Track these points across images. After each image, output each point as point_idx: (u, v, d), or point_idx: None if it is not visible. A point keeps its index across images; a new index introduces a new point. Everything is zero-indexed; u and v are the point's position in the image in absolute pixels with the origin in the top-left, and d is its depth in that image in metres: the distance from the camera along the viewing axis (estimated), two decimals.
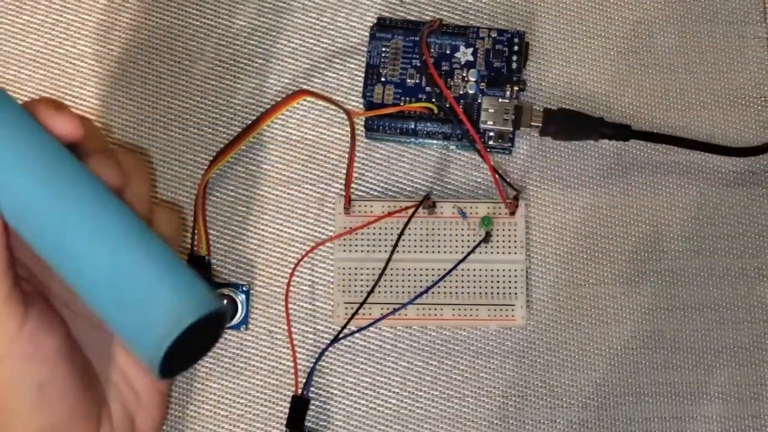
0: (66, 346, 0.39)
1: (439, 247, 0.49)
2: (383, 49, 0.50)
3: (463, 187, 0.50)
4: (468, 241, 0.49)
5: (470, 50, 0.50)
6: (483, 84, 0.50)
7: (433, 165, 0.50)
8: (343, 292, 0.48)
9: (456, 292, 0.48)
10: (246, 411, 0.48)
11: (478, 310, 0.48)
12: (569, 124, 0.49)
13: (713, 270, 0.49)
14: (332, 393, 0.48)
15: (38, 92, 0.51)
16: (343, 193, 0.49)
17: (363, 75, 0.50)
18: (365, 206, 0.49)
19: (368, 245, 0.49)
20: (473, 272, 0.49)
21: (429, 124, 0.49)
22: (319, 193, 0.50)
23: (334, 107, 0.50)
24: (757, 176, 0.50)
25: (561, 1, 0.52)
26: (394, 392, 0.48)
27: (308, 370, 0.48)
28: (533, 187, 0.50)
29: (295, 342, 0.48)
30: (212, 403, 0.48)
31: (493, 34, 0.50)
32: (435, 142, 0.50)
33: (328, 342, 0.48)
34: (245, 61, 0.51)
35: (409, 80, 0.50)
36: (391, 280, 0.48)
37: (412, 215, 0.49)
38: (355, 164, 0.50)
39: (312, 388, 0.48)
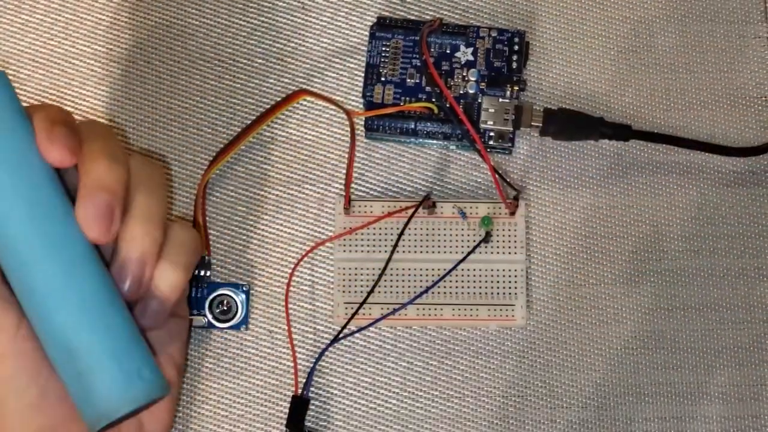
0: None
1: (439, 247, 0.49)
2: (383, 49, 0.50)
3: (463, 187, 0.50)
4: (468, 241, 0.49)
5: (470, 50, 0.50)
6: (483, 84, 0.50)
7: (433, 165, 0.50)
8: (343, 292, 0.48)
9: (456, 292, 0.48)
10: (246, 411, 0.48)
11: (478, 310, 0.48)
12: (569, 124, 0.49)
13: (713, 270, 0.49)
14: (332, 393, 0.48)
15: (37, 92, 0.51)
16: (343, 193, 0.49)
17: (363, 75, 0.50)
18: (365, 206, 0.49)
19: (368, 245, 0.49)
20: (473, 272, 0.49)
21: (429, 124, 0.49)
22: (319, 193, 0.50)
23: (334, 107, 0.50)
24: (758, 176, 0.50)
25: (561, 1, 0.52)
26: (394, 392, 0.48)
27: (308, 370, 0.48)
28: (533, 187, 0.50)
29: (295, 342, 0.48)
30: (212, 403, 0.48)
31: (494, 34, 0.50)
32: (435, 142, 0.50)
33: (328, 342, 0.48)
34: (245, 61, 0.51)
35: (409, 80, 0.50)
36: (391, 280, 0.48)
37: (412, 215, 0.49)
38: (355, 164, 0.50)
39: (312, 388, 0.48)
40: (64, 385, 0.39)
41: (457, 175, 0.50)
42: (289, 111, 0.51)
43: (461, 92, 0.50)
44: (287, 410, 0.47)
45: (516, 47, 0.50)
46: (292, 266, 0.49)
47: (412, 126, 0.49)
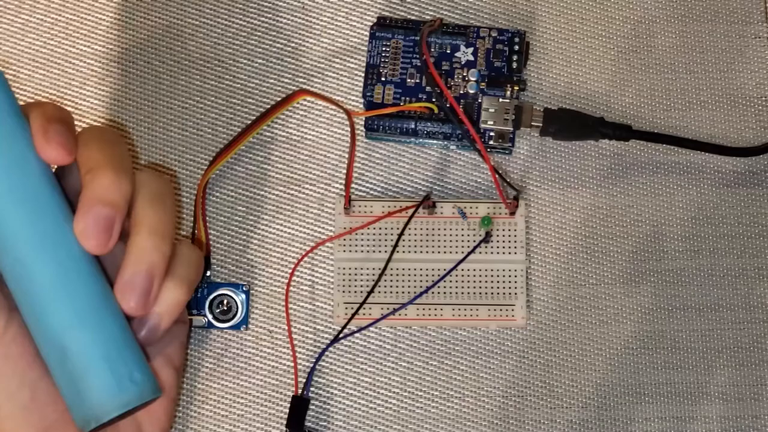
0: None
1: (439, 247, 0.49)
2: (383, 49, 0.50)
3: (463, 187, 0.50)
4: (468, 241, 0.49)
5: (471, 50, 0.50)
6: (483, 84, 0.50)
7: (433, 165, 0.50)
8: (343, 292, 0.48)
9: (456, 292, 0.48)
10: (246, 411, 0.48)
11: (478, 310, 0.48)
12: (570, 124, 0.49)
13: (713, 270, 0.49)
14: (332, 393, 0.48)
15: (37, 92, 0.51)
16: (343, 193, 0.49)
17: (363, 75, 0.50)
18: (365, 206, 0.49)
19: (368, 245, 0.49)
20: (473, 272, 0.49)
21: (429, 124, 0.49)
22: (319, 193, 0.50)
23: (334, 107, 0.50)
24: (757, 176, 0.50)
25: (562, 1, 0.52)
26: (394, 392, 0.48)
27: (308, 370, 0.48)
28: (533, 187, 0.50)
29: (295, 342, 0.48)
30: (212, 403, 0.48)
31: (494, 34, 0.50)
32: (435, 142, 0.50)
33: (328, 342, 0.48)
34: (245, 61, 0.51)
35: (409, 80, 0.50)
36: (391, 280, 0.48)
37: (412, 215, 0.49)
38: (355, 164, 0.50)
39: (312, 388, 0.48)
40: (56, 387, 0.39)
41: (457, 175, 0.50)
42: (289, 111, 0.51)
43: (461, 92, 0.50)
44: (287, 410, 0.47)
45: (516, 47, 0.50)
46: (292, 266, 0.49)
47: (412, 126, 0.49)
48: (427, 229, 0.49)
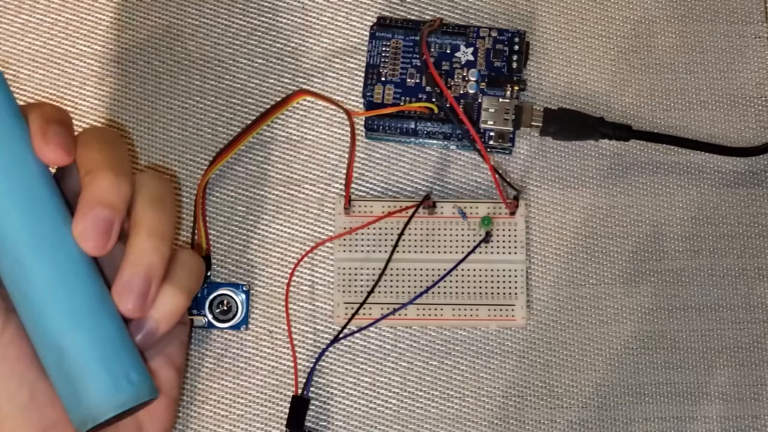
0: None
1: (439, 247, 0.49)
2: (383, 49, 0.50)
3: (463, 187, 0.50)
4: (468, 241, 0.49)
5: (470, 50, 0.50)
6: (483, 84, 0.50)
7: (433, 165, 0.50)
8: (343, 292, 0.48)
9: (456, 292, 0.48)
10: (246, 411, 0.48)
11: (478, 310, 0.48)
12: (570, 124, 0.49)
13: (713, 270, 0.49)
14: (332, 393, 0.48)
15: (37, 92, 0.51)
16: (343, 193, 0.49)
17: (363, 75, 0.50)
18: (365, 206, 0.49)
19: (368, 245, 0.49)
20: (473, 272, 0.49)
21: (429, 124, 0.49)
22: (319, 193, 0.50)
23: (334, 107, 0.50)
24: (757, 176, 0.50)
25: (561, 1, 0.52)
26: (394, 392, 0.48)
27: (308, 370, 0.48)
28: (533, 187, 0.50)
29: (295, 342, 0.48)
30: (212, 403, 0.48)
31: (494, 34, 0.50)
32: (435, 142, 0.50)
33: (328, 342, 0.48)
34: (245, 61, 0.51)
35: (409, 80, 0.50)
36: (391, 280, 0.48)
37: (412, 215, 0.49)
38: (355, 164, 0.50)
39: (312, 388, 0.48)
40: (53, 387, 0.39)
41: (457, 175, 0.50)
42: (289, 111, 0.51)
43: (461, 92, 0.50)
44: (287, 410, 0.47)
45: (516, 47, 0.50)
46: (292, 266, 0.49)
47: (412, 126, 0.49)
48: (427, 229, 0.49)
